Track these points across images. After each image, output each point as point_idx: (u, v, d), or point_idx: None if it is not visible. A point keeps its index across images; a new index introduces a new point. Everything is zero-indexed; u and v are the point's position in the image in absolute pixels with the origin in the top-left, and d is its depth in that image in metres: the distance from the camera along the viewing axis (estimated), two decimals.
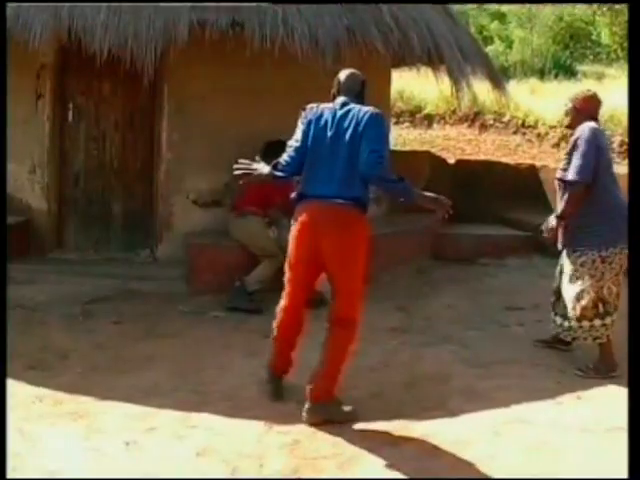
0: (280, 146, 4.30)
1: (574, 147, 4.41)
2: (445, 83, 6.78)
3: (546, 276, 6.61)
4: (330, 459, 3.36)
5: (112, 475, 3.20)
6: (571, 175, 4.39)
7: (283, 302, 3.93)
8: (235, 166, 3.96)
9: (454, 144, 12.71)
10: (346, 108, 3.72)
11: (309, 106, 3.85)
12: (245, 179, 3.98)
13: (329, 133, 3.70)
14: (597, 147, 4.36)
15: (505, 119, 12.73)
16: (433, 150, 11.13)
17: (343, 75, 3.88)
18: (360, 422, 3.71)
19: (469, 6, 22.01)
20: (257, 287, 5.60)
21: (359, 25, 5.83)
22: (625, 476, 2.99)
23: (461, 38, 6.76)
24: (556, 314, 4.64)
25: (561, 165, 4.55)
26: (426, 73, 7.26)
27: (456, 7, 8.81)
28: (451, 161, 9.98)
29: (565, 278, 4.56)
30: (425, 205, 3.81)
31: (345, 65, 4.24)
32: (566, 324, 4.53)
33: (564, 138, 11.55)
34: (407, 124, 14.12)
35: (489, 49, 17.72)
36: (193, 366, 4.48)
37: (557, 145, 11.63)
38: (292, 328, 3.92)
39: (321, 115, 3.75)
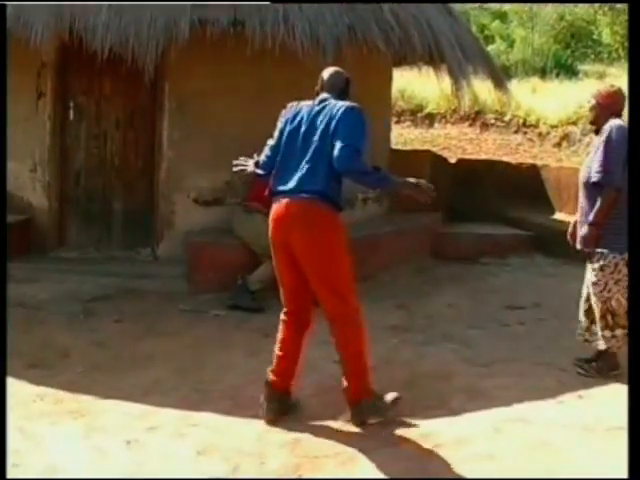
0: None
1: (603, 148, 4.17)
2: (446, 82, 6.77)
3: (547, 275, 6.63)
4: (331, 457, 3.36)
5: (113, 474, 3.20)
6: (603, 179, 4.15)
7: (282, 315, 3.78)
8: (234, 162, 4.05)
9: (455, 143, 12.66)
10: (323, 104, 3.65)
11: (289, 104, 3.83)
12: (238, 176, 4.08)
13: (302, 130, 3.63)
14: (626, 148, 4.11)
15: (506, 118, 12.67)
16: (434, 149, 11.12)
17: (327, 73, 3.83)
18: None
19: (470, 5, 21.97)
20: (258, 286, 5.59)
21: (360, 23, 5.82)
22: (625, 476, 2.98)
23: (462, 37, 6.76)
24: (591, 322, 4.40)
25: (594, 168, 4.22)
26: (427, 72, 7.26)
27: (457, 6, 8.79)
28: (452, 160, 9.97)
29: (590, 283, 4.33)
30: (406, 192, 3.71)
31: (346, 63, 4.24)
32: (600, 332, 4.32)
33: (565, 137, 11.52)
34: (408, 123, 14.06)
35: (490, 48, 17.70)
36: (194, 365, 4.48)
37: (558, 144, 11.57)
38: (294, 343, 3.73)
39: (298, 113, 3.70)
